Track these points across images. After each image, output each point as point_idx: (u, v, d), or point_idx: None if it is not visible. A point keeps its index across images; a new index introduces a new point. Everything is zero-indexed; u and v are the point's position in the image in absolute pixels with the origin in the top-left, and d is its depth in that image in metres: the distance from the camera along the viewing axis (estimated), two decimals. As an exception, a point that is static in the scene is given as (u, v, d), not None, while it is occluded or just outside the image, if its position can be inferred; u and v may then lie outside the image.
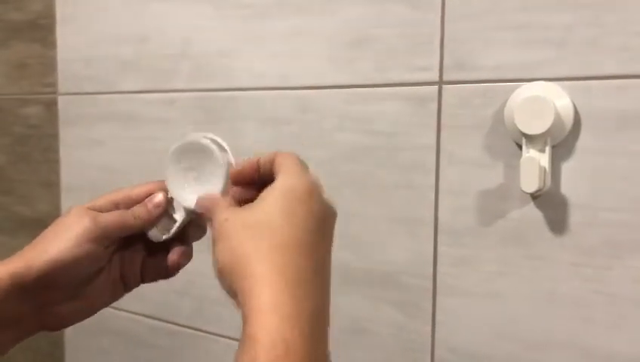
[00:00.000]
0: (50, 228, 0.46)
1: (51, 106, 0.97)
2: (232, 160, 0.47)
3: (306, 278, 0.37)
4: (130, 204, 0.48)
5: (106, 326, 0.92)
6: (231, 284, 0.37)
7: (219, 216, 0.41)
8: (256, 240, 0.38)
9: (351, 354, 0.72)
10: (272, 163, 0.44)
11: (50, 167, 0.99)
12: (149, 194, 0.48)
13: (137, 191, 0.49)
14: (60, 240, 0.44)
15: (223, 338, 0.82)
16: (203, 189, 0.46)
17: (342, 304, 0.72)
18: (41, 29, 0.97)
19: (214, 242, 0.40)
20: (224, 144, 0.48)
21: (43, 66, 0.98)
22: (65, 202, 0.97)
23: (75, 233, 0.44)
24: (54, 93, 0.97)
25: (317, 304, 0.37)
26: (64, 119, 0.96)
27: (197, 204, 0.46)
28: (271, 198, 0.40)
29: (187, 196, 0.47)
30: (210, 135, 0.49)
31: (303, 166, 0.44)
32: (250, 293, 0.36)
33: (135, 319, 0.89)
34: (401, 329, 0.68)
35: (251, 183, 0.45)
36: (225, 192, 0.46)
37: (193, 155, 0.47)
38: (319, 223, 0.40)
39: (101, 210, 0.47)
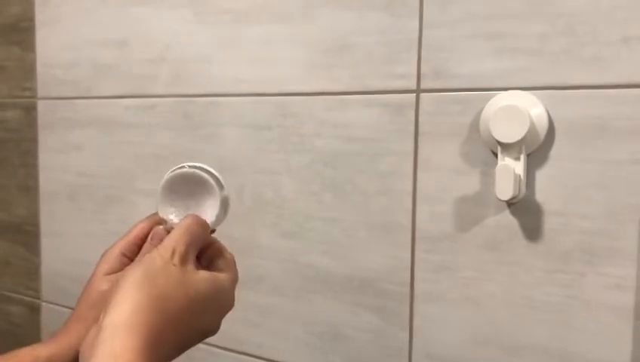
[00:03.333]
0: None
1: (30, 110, 0.96)
2: (228, 196, 0.49)
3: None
4: (135, 249, 0.50)
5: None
6: (109, 301, 0.39)
7: (164, 254, 0.43)
8: (162, 308, 0.40)
9: (329, 360, 0.72)
10: (219, 253, 0.49)
11: (28, 172, 0.98)
12: (148, 233, 0.50)
13: (135, 234, 0.51)
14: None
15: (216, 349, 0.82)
16: None
17: (320, 309, 0.72)
18: (20, 33, 0.96)
19: (142, 262, 0.42)
20: (221, 179, 0.49)
21: (22, 70, 0.97)
22: (43, 207, 0.97)
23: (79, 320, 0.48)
24: (33, 97, 0.96)
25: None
26: (43, 123, 0.95)
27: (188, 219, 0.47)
28: (208, 282, 0.44)
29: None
30: (207, 167, 0.49)
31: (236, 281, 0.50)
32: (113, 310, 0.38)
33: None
34: (379, 334, 0.69)
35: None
36: (215, 223, 0.48)
37: (187, 186, 0.48)
38: (202, 330, 0.45)
39: (116, 270, 0.49)
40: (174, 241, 0.44)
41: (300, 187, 0.72)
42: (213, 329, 0.46)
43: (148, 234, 0.50)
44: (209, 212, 0.48)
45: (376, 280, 0.68)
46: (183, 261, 0.43)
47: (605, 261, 0.57)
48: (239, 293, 0.77)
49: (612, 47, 0.55)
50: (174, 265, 0.42)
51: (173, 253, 0.43)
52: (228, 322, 0.77)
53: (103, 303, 0.42)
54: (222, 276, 0.45)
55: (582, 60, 0.56)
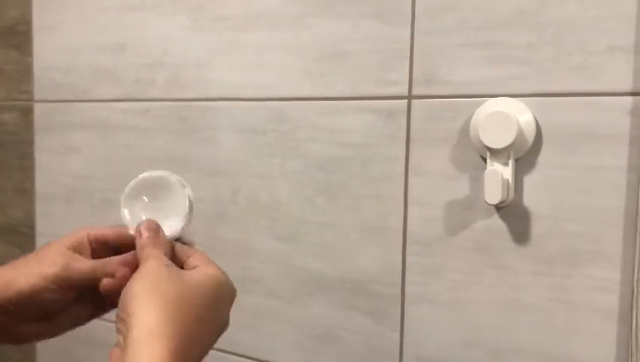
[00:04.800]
0: (31, 255, 0.48)
1: (27, 113, 0.97)
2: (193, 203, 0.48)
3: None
4: (103, 248, 0.49)
5: (79, 335, 0.92)
6: (128, 314, 0.39)
7: (162, 257, 0.43)
8: (176, 295, 0.40)
9: (321, 360, 0.73)
10: (188, 253, 0.47)
11: (25, 174, 0.99)
12: (120, 240, 0.49)
13: (112, 235, 0.49)
14: (31, 275, 0.46)
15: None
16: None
17: (314, 311, 0.73)
18: (18, 36, 0.97)
19: (148, 270, 0.42)
20: (187, 185, 0.49)
21: (19, 73, 0.98)
22: (39, 209, 0.97)
23: (45, 273, 0.46)
24: (30, 100, 0.97)
25: None
26: (40, 126, 0.96)
27: (148, 224, 0.46)
28: (205, 277, 0.43)
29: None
30: (170, 173, 0.49)
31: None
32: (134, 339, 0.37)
33: (110, 327, 0.89)
34: (370, 336, 0.70)
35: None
36: (183, 230, 0.48)
37: (154, 191, 0.48)
38: (217, 325, 0.44)
39: (80, 251, 0.48)
40: (150, 248, 0.44)
41: (295, 191, 0.74)
42: (225, 322, 0.45)
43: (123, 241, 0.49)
44: (180, 213, 0.48)
45: (368, 282, 0.70)
46: (168, 263, 0.43)
47: (591, 264, 0.58)
48: (233, 295, 0.79)
49: (598, 56, 0.57)
50: (166, 266, 0.42)
51: (158, 257, 0.43)
52: (222, 323, 0.78)
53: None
54: (212, 270, 0.45)
55: (569, 69, 0.58)
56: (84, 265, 0.46)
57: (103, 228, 0.50)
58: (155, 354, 0.36)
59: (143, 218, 0.47)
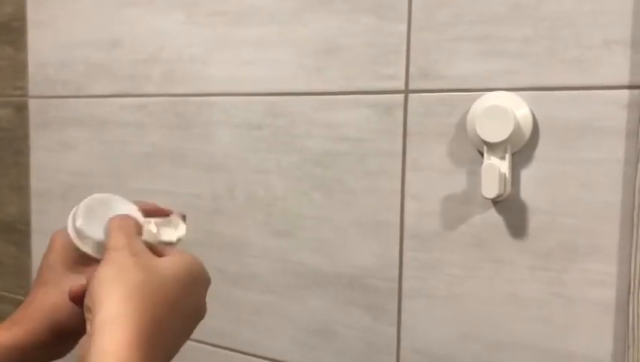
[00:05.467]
0: (25, 305, 0.47)
1: (22, 109, 0.97)
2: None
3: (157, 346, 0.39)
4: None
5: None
6: (92, 300, 0.39)
7: (130, 245, 0.43)
8: (141, 281, 0.40)
9: (318, 356, 0.73)
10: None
11: (20, 171, 0.98)
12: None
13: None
14: (34, 329, 0.46)
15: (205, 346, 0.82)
16: None
17: (310, 306, 0.73)
18: (13, 32, 0.97)
19: (112, 259, 0.41)
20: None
21: (14, 69, 0.97)
22: (35, 206, 0.97)
23: (46, 317, 0.46)
24: (25, 96, 0.96)
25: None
26: (35, 122, 0.96)
27: (113, 220, 0.46)
28: (175, 263, 0.43)
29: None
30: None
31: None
32: (100, 323, 0.37)
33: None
34: (367, 331, 0.70)
35: None
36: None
37: (97, 213, 0.48)
38: (192, 312, 0.43)
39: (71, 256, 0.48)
40: (115, 240, 0.43)
41: (291, 186, 0.73)
42: (201, 308, 0.45)
43: None
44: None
45: (365, 277, 0.70)
46: (137, 252, 0.42)
47: (588, 258, 0.58)
48: (230, 291, 0.79)
49: (594, 50, 0.56)
50: (134, 255, 0.42)
51: (124, 247, 0.42)
52: (219, 320, 0.78)
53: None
54: (186, 256, 0.44)
55: (565, 63, 0.58)
56: (80, 286, 0.46)
57: None
58: (118, 338, 0.36)
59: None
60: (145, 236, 0.46)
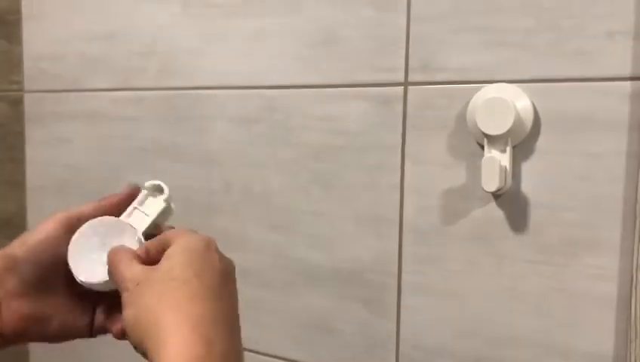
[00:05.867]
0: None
1: (17, 104, 0.96)
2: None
3: (215, 322, 0.38)
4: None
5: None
6: (141, 341, 0.38)
7: (132, 277, 0.42)
8: (166, 295, 0.39)
9: (317, 352, 0.73)
10: (162, 240, 0.45)
11: (15, 166, 0.97)
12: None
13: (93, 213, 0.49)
14: (36, 231, 0.47)
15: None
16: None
17: (308, 302, 0.73)
18: (7, 26, 0.96)
19: (127, 303, 0.41)
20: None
21: (9, 63, 0.96)
22: (31, 201, 0.96)
23: (51, 220, 0.47)
24: (20, 90, 0.95)
25: (226, 347, 0.38)
26: (30, 117, 0.95)
27: (108, 257, 0.45)
28: (175, 257, 0.42)
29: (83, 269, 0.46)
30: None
31: (193, 230, 0.46)
32: (158, 342, 0.36)
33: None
34: (366, 326, 0.69)
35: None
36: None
37: (111, 234, 0.47)
38: (222, 274, 0.42)
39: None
40: (120, 281, 0.43)
41: (288, 180, 0.73)
42: (224, 266, 0.43)
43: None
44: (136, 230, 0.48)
45: (364, 272, 0.69)
46: (140, 274, 0.42)
47: (589, 252, 0.57)
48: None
49: (596, 41, 0.56)
50: (138, 284, 0.41)
51: (130, 281, 0.42)
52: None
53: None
54: (174, 244, 0.43)
55: (567, 54, 0.57)
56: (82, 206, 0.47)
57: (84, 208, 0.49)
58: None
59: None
60: (139, 228, 0.47)
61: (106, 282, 0.45)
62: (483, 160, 0.57)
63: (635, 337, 0.55)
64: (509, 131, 0.56)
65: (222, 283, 0.42)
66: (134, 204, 0.49)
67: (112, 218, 0.48)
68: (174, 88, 0.80)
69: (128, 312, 0.40)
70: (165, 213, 0.49)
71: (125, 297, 0.41)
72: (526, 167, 0.59)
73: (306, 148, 0.71)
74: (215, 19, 0.76)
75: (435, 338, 0.65)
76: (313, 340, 0.73)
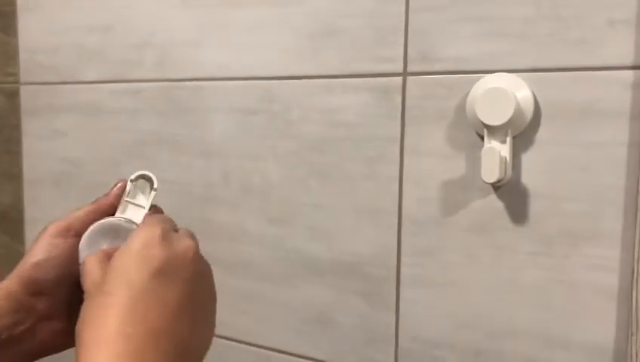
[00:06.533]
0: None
1: (13, 96, 0.95)
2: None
3: (135, 337, 0.36)
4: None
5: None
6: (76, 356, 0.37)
7: (86, 289, 0.41)
8: (90, 311, 0.38)
9: (316, 344, 0.72)
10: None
11: (12, 159, 0.97)
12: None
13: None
14: (35, 247, 0.46)
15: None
16: None
17: (307, 294, 0.72)
18: (3, 17, 0.95)
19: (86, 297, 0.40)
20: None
21: (4, 55, 0.95)
22: (27, 194, 0.96)
23: (46, 234, 0.46)
24: (16, 82, 0.94)
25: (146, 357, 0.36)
26: (26, 109, 0.94)
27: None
28: (113, 262, 0.40)
29: None
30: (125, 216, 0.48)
31: (156, 221, 0.44)
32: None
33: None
34: (365, 318, 0.69)
35: None
36: None
37: (117, 235, 0.46)
38: (157, 273, 0.39)
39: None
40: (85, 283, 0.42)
41: (287, 172, 0.72)
42: (168, 257, 0.40)
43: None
44: None
45: (363, 264, 0.68)
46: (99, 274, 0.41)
47: (589, 243, 0.57)
48: (226, 279, 0.77)
49: (597, 30, 0.55)
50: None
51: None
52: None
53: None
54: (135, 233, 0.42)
55: (567, 43, 0.56)
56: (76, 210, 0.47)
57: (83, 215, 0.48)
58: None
59: None
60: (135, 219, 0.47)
61: None
62: (483, 151, 0.57)
63: (637, 329, 0.54)
64: (509, 122, 0.56)
65: (154, 284, 0.38)
66: (125, 198, 0.48)
67: (110, 219, 0.47)
68: (172, 80, 0.79)
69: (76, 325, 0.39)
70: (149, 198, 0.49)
71: (86, 292, 0.41)
72: (526, 158, 0.59)
73: (305, 139, 0.70)
74: (213, 10, 0.75)
75: (434, 331, 0.65)
76: (312, 333, 0.72)
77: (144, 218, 0.47)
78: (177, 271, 0.40)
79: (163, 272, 0.39)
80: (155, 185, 0.49)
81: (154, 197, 0.49)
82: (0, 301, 0.44)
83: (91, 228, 0.46)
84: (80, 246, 0.46)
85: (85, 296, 0.40)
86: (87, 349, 0.35)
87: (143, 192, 0.49)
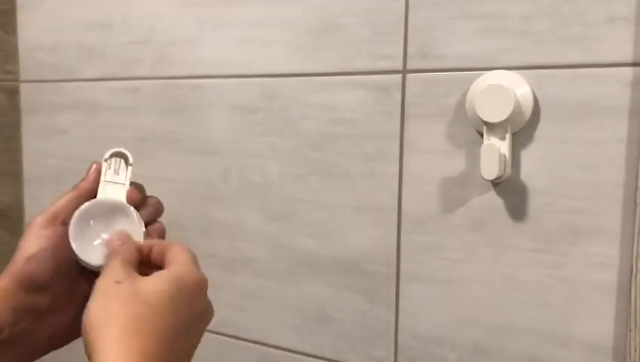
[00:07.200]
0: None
1: (13, 94, 0.95)
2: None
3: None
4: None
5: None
6: (89, 341, 0.37)
7: (117, 272, 0.41)
8: (131, 318, 0.37)
9: (316, 341, 0.72)
10: (164, 251, 0.45)
11: (12, 157, 0.97)
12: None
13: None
14: (25, 241, 0.46)
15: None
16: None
17: (307, 291, 0.72)
18: (2, 15, 0.95)
19: (99, 293, 0.40)
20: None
21: (4, 53, 0.95)
22: (27, 192, 0.96)
23: (34, 227, 0.47)
24: (16, 80, 0.94)
25: None
26: (26, 107, 0.94)
27: (109, 240, 0.45)
28: (162, 284, 0.40)
29: (93, 255, 0.46)
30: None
31: (196, 261, 0.44)
32: (100, 357, 0.35)
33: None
34: (365, 316, 0.69)
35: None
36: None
37: (105, 215, 0.47)
38: (198, 319, 0.41)
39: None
40: (111, 269, 0.42)
41: (286, 170, 0.72)
42: (206, 311, 0.43)
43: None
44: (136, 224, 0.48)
45: (363, 261, 0.68)
46: (126, 277, 0.41)
47: (589, 240, 0.57)
48: (225, 277, 0.78)
49: (597, 27, 0.55)
50: (118, 282, 0.40)
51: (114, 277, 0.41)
52: (214, 306, 0.77)
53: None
54: (172, 268, 0.42)
55: (567, 40, 0.56)
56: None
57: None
58: None
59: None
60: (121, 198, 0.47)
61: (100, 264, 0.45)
62: (482, 148, 0.57)
63: (636, 325, 0.55)
64: (508, 118, 0.56)
65: (192, 328, 0.41)
66: (104, 178, 0.48)
67: (94, 200, 0.47)
68: (172, 77, 0.79)
69: (97, 304, 0.39)
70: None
71: (100, 285, 0.40)
72: (525, 155, 0.59)
73: (305, 137, 0.70)
74: (212, 8, 0.75)
75: (434, 327, 0.65)
76: (312, 330, 0.73)
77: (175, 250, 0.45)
78: (198, 326, 0.42)
79: (196, 321, 0.42)
80: (131, 161, 0.49)
81: (131, 172, 0.49)
82: None
83: (77, 212, 0.46)
84: (70, 232, 0.46)
85: (112, 280, 0.40)
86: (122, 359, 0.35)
87: (120, 170, 0.49)
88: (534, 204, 0.59)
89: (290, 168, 0.72)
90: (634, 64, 0.54)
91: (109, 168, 0.49)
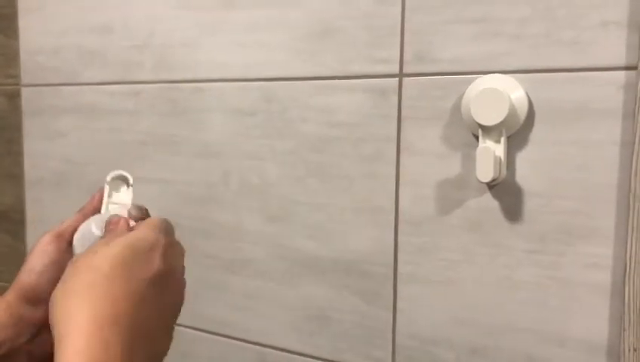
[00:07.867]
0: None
1: (14, 98, 0.96)
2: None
3: (129, 327, 0.37)
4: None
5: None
6: (55, 324, 0.37)
7: (96, 246, 0.43)
8: (86, 287, 0.38)
9: (314, 342, 0.73)
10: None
11: (13, 160, 0.98)
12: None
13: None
14: (30, 257, 0.49)
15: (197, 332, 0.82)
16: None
17: (305, 292, 0.73)
18: (3, 19, 0.96)
19: (63, 278, 0.40)
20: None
21: (5, 57, 0.96)
22: (29, 194, 0.96)
23: (40, 244, 0.49)
24: (17, 84, 0.95)
25: (133, 354, 0.37)
26: (27, 111, 0.95)
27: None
28: (114, 248, 0.41)
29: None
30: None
31: (163, 228, 0.45)
32: (63, 333, 0.36)
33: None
34: (363, 316, 0.70)
35: None
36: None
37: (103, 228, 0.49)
38: (149, 283, 0.41)
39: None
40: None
41: (285, 172, 0.73)
42: (158, 273, 0.41)
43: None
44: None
45: (361, 262, 0.69)
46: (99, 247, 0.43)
47: (584, 240, 0.58)
48: (225, 278, 0.78)
49: (591, 30, 0.56)
50: (95, 252, 0.41)
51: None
52: (214, 307, 0.78)
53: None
54: (132, 232, 0.43)
55: (561, 44, 0.57)
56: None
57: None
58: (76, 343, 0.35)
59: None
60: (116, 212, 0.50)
61: None
62: (477, 150, 0.58)
63: (629, 325, 0.55)
64: (503, 122, 0.57)
65: (149, 291, 0.40)
66: (107, 199, 0.52)
67: (98, 215, 0.51)
68: (171, 81, 0.80)
69: (58, 288, 0.39)
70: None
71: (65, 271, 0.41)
72: (521, 157, 0.60)
73: (303, 139, 0.71)
74: (211, 11, 0.76)
75: (431, 328, 0.66)
76: (310, 330, 0.73)
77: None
78: (161, 287, 0.42)
79: (154, 281, 0.41)
80: (131, 182, 0.52)
81: (132, 192, 0.52)
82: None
83: (82, 226, 0.49)
84: (74, 244, 0.49)
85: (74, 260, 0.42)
86: (83, 327, 0.36)
87: (122, 191, 0.52)
88: (529, 205, 0.60)
89: (289, 170, 0.73)
90: (627, 67, 0.55)
91: (112, 190, 0.52)
